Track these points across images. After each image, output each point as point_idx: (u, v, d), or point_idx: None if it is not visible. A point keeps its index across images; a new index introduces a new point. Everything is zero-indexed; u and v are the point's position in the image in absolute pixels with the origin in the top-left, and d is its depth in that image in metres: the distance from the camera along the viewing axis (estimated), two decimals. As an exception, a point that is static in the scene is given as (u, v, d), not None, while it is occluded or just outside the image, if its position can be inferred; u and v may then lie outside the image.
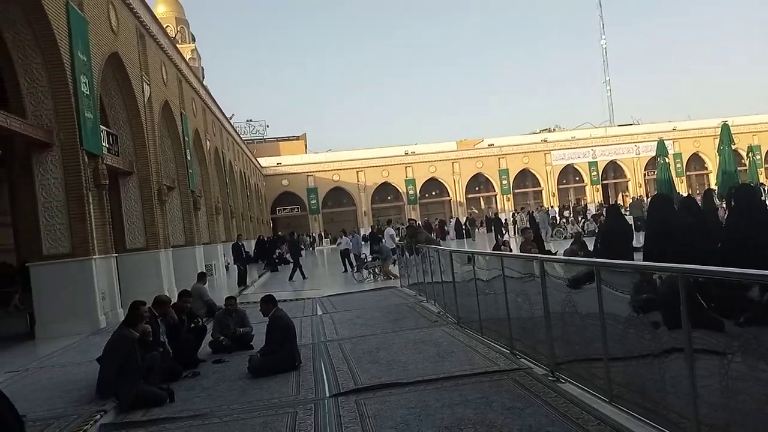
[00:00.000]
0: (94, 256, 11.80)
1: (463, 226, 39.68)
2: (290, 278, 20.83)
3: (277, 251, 29.22)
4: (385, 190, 55.53)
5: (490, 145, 56.97)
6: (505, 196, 55.07)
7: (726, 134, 22.27)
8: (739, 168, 26.31)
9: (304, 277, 20.81)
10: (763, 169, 50.93)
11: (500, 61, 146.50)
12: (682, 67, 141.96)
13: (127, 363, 6.35)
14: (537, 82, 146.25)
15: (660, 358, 4.09)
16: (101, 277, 12.14)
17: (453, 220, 43.88)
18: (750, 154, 35.96)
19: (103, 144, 13.45)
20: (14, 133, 10.63)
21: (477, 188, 57.02)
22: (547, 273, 5.69)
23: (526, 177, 57.04)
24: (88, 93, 12.19)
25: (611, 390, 4.65)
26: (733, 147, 23.09)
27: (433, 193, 56.56)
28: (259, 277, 23.47)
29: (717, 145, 23.72)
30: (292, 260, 22.17)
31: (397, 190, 55.22)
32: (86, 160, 11.99)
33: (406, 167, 54.82)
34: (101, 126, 13.45)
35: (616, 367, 4.75)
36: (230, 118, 38.76)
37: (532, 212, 34.11)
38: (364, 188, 54.35)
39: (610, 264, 4.86)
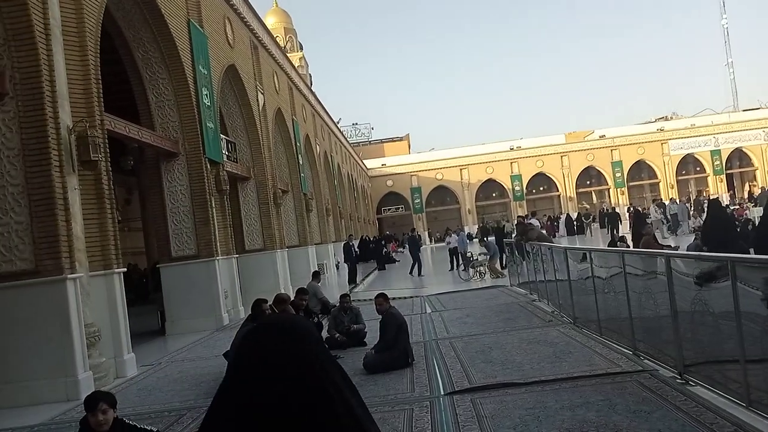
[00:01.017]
0: (217, 257, 12.55)
1: (575, 222, 38.27)
2: (411, 272, 21.20)
3: (384, 250, 29.61)
4: (489, 187, 54.74)
5: (602, 137, 54.55)
6: (619, 189, 52.52)
7: None
8: None
9: (420, 274, 21.02)
10: None
11: (610, 47, 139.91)
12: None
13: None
14: (651, 68, 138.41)
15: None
16: (224, 277, 12.89)
17: (563, 216, 42.44)
18: None
19: (223, 152, 14.26)
20: (146, 144, 11.53)
21: (588, 182, 54.83)
22: (673, 270, 5.39)
23: (641, 169, 54.11)
24: (209, 104, 12.99)
25: (749, 394, 4.33)
26: None
27: (541, 188, 55.05)
28: (366, 276, 23.93)
29: None
30: (412, 257, 22.50)
31: (503, 186, 54.24)
32: (208, 167, 12.78)
33: (511, 163, 53.74)
34: (221, 135, 14.28)
35: (754, 369, 4.42)
36: (337, 122, 39.86)
37: (639, 208, 32.23)
38: (468, 186, 53.88)
39: (745, 259, 4.52)
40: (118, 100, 12.29)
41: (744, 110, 59.46)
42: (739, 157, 54.33)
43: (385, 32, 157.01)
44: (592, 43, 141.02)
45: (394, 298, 11.95)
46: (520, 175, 53.30)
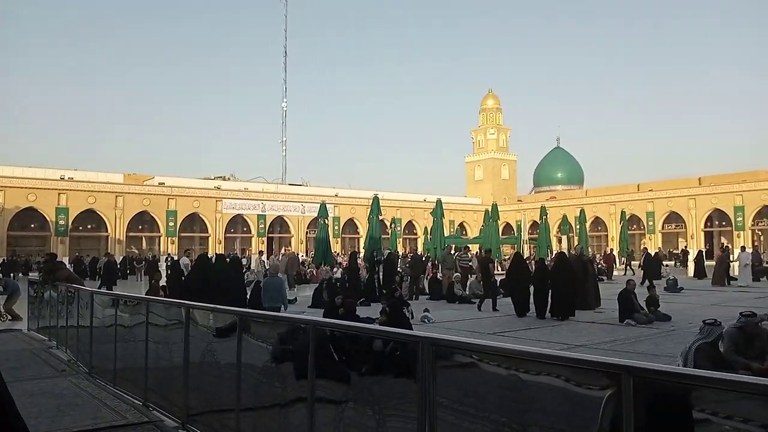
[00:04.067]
0: None
1: (119, 267, 36.68)
2: None
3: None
4: (28, 216, 48.29)
5: (161, 184, 54.68)
6: (170, 238, 53.00)
7: (376, 205, 25.29)
8: (383, 236, 30.05)
9: None
10: (401, 239, 59.48)
11: (183, 103, 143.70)
12: (348, 140, 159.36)
13: None
14: (220, 131, 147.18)
15: (286, 407, 4.23)
16: None
17: (105, 259, 40.20)
18: (393, 225, 41.67)
19: None
20: None
21: (141, 227, 53.71)
22: (195, 321, 5.51)
23: (194, 221, 55.98)
24: None
25: (240, 441, 4.62)
26: (381, 217, 26.39)
27: (89, 226, 51.34)
28: None
29: (368, 214, 26.78)
30: None
31: (45, 217, 48.56)
32: None
33: (59, 193, 48.73)
34: None
35: (248, 417, 4.76)
36: None
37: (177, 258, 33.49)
38: (2, 211, 46.47)
39: (252, 314, 4.93)
40: None
41: (290, 184, 68.31)
42: (280, 223, 61.54)
43: None
44: (165, 91, 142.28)
45: None
46: (68, 209, 48.72)
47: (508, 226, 66.97)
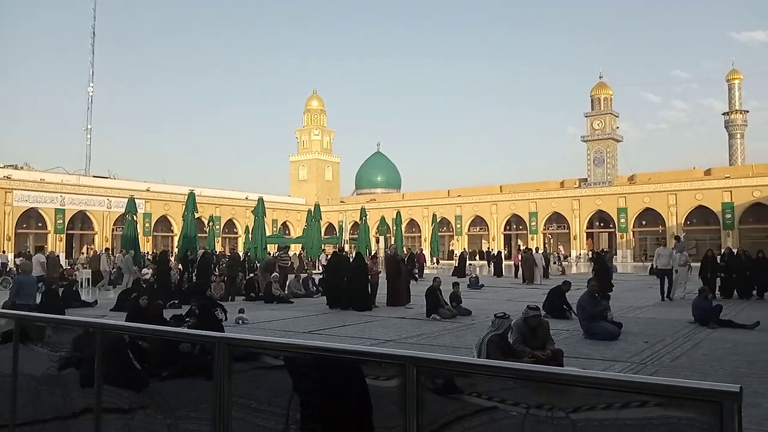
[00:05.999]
0: None
1: None
2: None
3: None
4: None
5: (-66, 172, 47.26)
6: (-55, 234, 45.96)
7: (191, 202, 24.20)
8: (200, 234, 28.86)
9: None
10: (220, 238, 57.59)
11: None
12: (163, 133, 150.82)
13: None
14: (12, 114, 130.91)
15: (70, 419, 3.87)
16: None
17: None
18: (211, 223, 40.22)
19: None
20: None
21: None
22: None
23: (-23, 215, 49.13)
24: None
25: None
26: (197, 215, 25.27)
27: None
28: None
29: (183, 211, 25.51)
30: None
31: None
32: None
33: None
34: None
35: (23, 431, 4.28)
36: None
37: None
38: None
39: (32, 318, 4.44)
40: None
41: (94, 176, 62.63)
42: (82, 219, 56.24)
43: None
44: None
45: None
46: None
47: (330, 226, 68.03)
